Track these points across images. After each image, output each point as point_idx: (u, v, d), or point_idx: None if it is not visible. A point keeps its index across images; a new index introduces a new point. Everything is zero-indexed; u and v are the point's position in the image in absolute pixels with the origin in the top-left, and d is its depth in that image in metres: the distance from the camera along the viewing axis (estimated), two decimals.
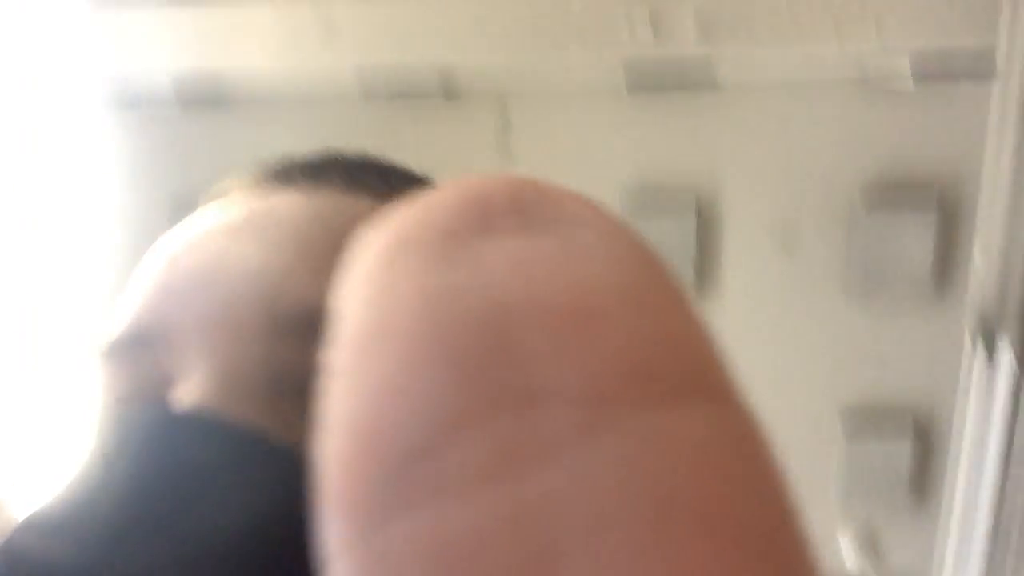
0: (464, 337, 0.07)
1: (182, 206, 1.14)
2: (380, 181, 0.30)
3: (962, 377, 1.10)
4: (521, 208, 0.08)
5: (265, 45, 0.96)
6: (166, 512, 0.19)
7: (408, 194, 0.30)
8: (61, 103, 1.01)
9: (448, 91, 0.97)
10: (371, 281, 0.08)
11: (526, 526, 0.06)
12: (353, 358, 0.08)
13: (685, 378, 0.07)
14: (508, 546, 0.06)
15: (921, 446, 1.12)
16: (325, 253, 0.25)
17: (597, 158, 1.01)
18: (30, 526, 0.19)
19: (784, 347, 1.10)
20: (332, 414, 0.08)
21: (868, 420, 1.12)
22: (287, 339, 0.24)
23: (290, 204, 0.27)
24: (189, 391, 0.24)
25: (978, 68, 0.95)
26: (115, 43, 0.99)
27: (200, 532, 0.19)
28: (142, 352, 0.25)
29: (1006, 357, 1.02)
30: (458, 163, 0.92)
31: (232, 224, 0.27)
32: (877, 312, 1.13)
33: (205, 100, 1.02)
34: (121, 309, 0.27)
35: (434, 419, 0.07)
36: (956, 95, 1.02)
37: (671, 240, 0.99)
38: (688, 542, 0.06)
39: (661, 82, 0.99)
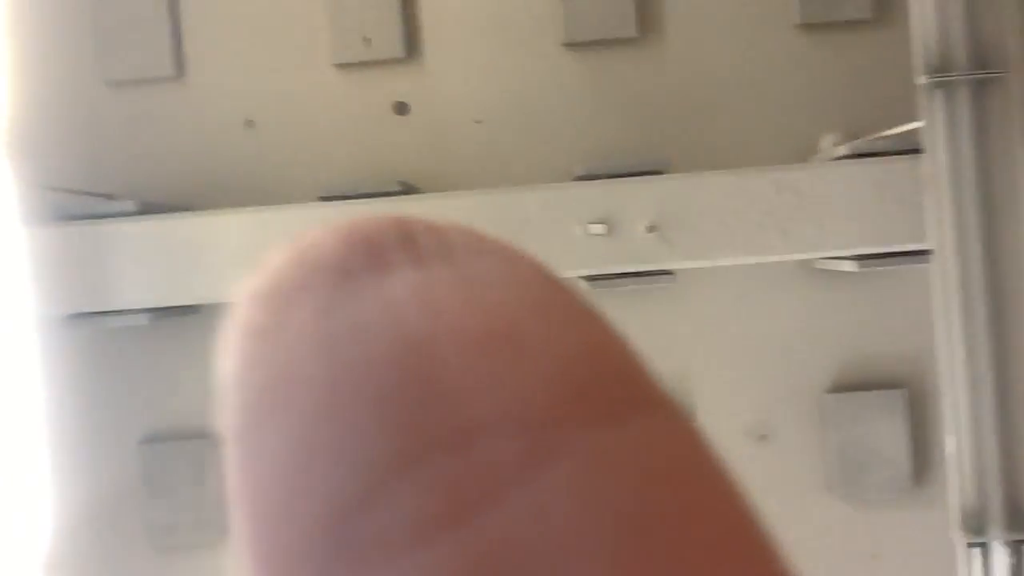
0: (380, 378, 0.07)
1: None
2: None
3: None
4: (411, 242, 0.08)
5: (233, 252, 1.00)
6: None
7: None
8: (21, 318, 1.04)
9: None
10: (260, 334, 0.08)
11: (491, 572, 0.06)
12: (256, 420, 0.07)
13: (620, 392, 0.07)
14: None
15: None
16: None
17: None
18: None
19: None
20: (242, 486, 0.07)
21: None
22: None
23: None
24: None
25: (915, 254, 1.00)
26: (85, 255, 1.03)
27: None
28: None
29: (999, 555, 0.97)
30: None
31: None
32: (858, 504, 1.10)
33: (175, 308, 1.05)
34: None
35: (364, 471, 0.06)
36: (898, 275, 1.06)
37: None
38: (665, 556, 0.06)
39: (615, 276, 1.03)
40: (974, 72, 0.84)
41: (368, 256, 0.08)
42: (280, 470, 0.07)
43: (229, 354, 0.08)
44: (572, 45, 1.15)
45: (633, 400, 0.07)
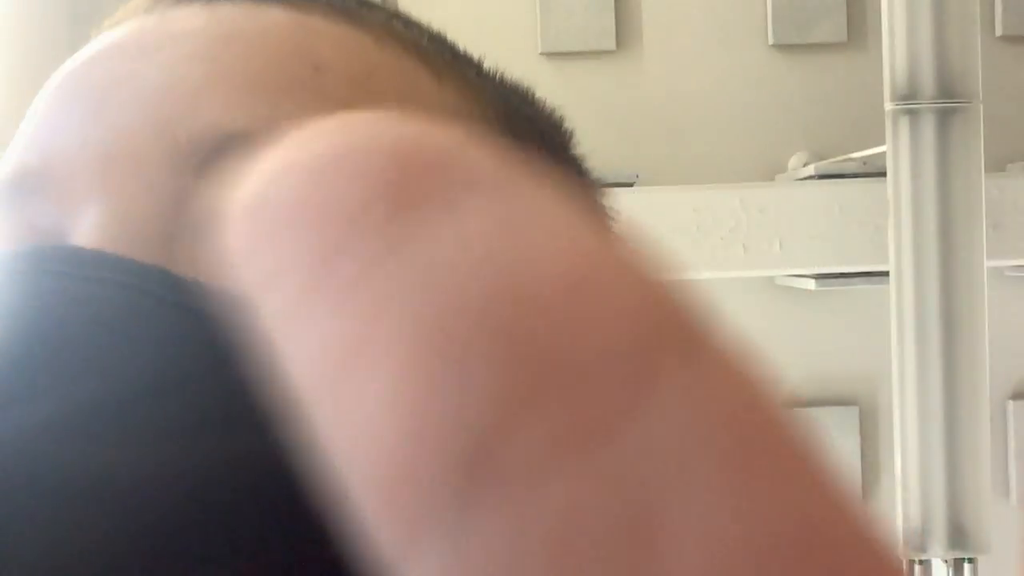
0: (476, 324, 0.07)
1: None
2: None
3: None
4: (450, 169, 0.08)
5: None
6: (50, 367, 0.16)
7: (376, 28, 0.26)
8: None
9: None
10: (325, 286, 0.07)
11: (618, 489, 0.07)
12: (346, 366, 0.07)
13: (692, 322, 0.07)
14: (608, 511, 0.07)
15: None
16: (239, 71, 0.22)
17: None
18: None
19: None
20: (342, 429, 0.07)
21: None
22: (196, 171, 0.21)
23: (191, 18, 0.24)
24: (81, 237, 0.21)
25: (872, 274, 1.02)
26: None
27: (97, 389, 0.16)
28: (28, 197, 0.22)
29: (939, 573, 1.00)
30: None
31: (121, 44, 0.24)
32: None
33: None
34: (7, 151, 0.24)
35: (492, 403, 0.07)
36: (855, 295, 1.09)
37: None
38: (771, 461, 0.07)
39: None
40: (940, 101, 0.87)
41: (397, 198, 0.07)
42: (395, 410, 0.07)
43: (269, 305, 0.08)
44: (550, 55, 1.17)
45: (703, 330, 0.08)
